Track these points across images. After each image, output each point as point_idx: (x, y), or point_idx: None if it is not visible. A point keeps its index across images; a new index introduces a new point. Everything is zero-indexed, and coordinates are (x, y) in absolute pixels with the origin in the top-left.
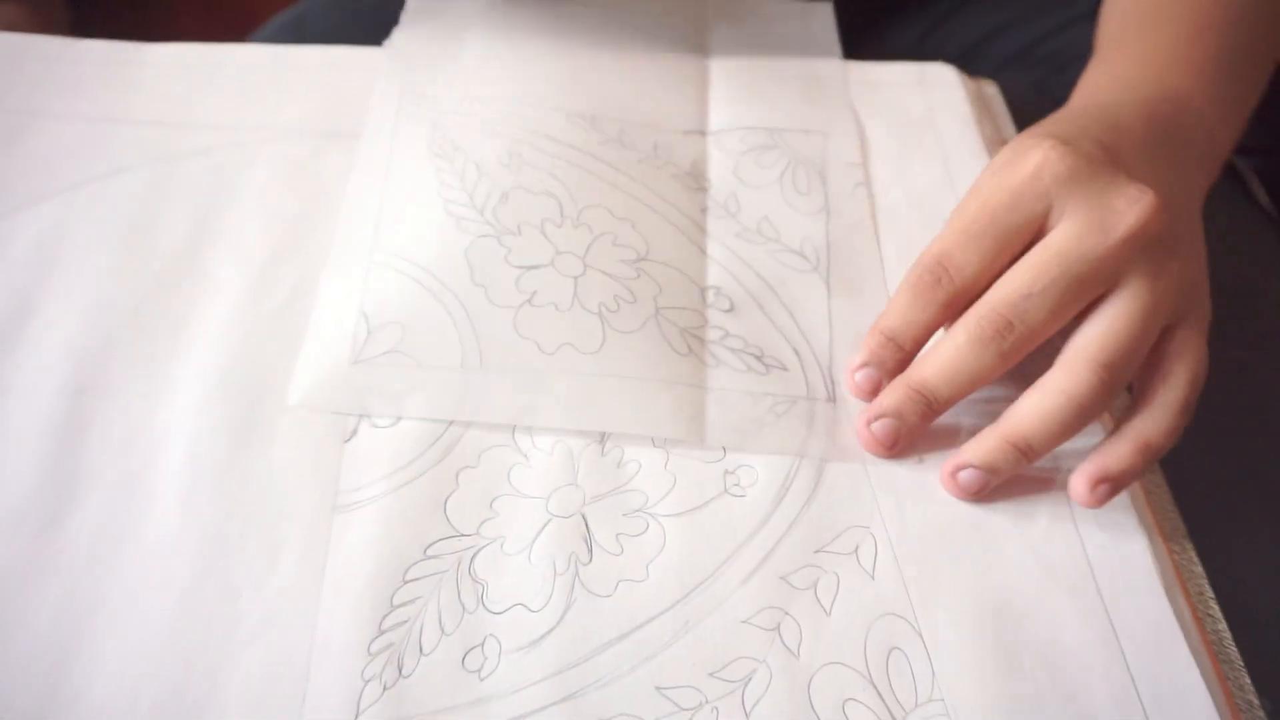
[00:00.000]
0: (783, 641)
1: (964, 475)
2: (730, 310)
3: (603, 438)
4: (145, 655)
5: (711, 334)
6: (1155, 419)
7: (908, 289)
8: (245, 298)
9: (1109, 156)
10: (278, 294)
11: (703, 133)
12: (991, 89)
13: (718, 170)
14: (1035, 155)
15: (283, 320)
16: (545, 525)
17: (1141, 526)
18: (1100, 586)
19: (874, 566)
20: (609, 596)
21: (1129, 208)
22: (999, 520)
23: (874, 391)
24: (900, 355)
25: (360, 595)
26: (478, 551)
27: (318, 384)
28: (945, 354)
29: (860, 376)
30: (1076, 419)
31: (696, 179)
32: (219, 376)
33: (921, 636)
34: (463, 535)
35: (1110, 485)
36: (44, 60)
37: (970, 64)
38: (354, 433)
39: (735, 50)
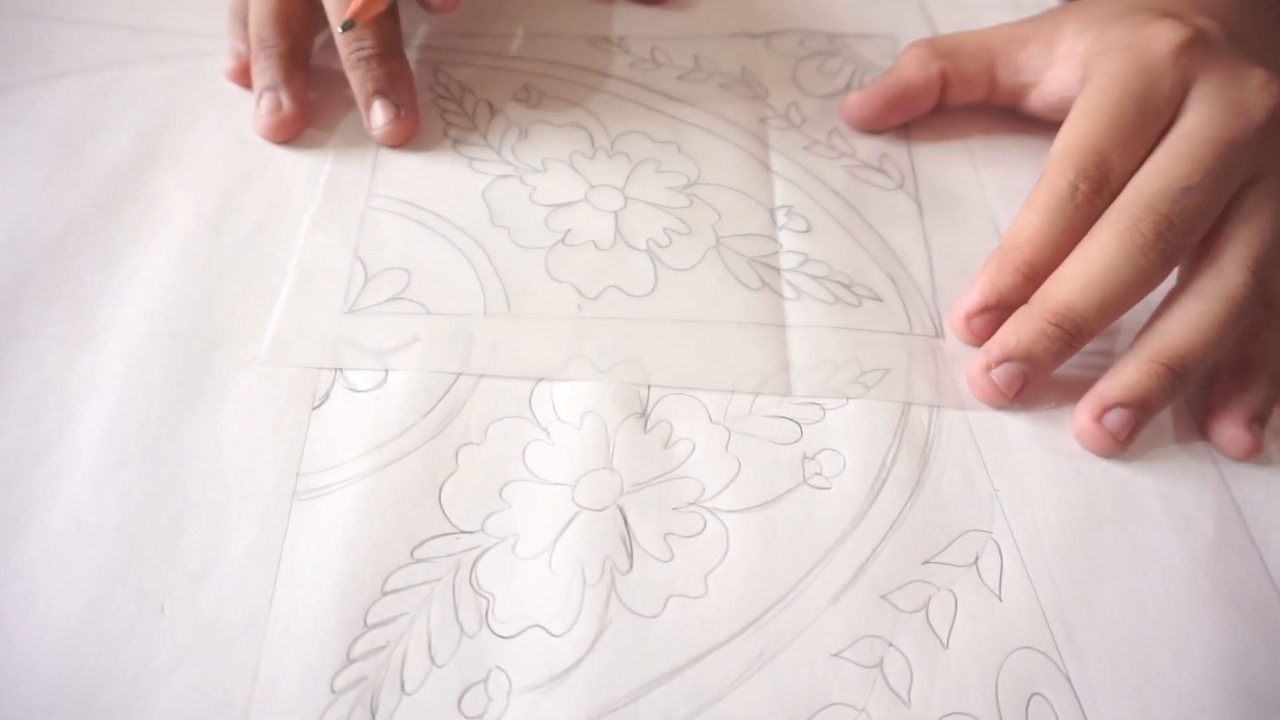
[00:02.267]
0: (887, 683)
1: (1113, 419)
2: (807, 231)
3: (645, 410)
4: (38, 679)
5: (787, 260)
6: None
7: (1058, 206)
8: (200, 228)
9: (1228, 35)
10: (240, 225)
11: (751, 34)
12: None
13: (773, 76)
14: (1172, 34)
15: (244, 256)
16: (571, 521)
17: None
18: None
19: (1000, 583)
20: (656, 617)
21: (1263, 89)
22: (1153, 520)
23: (1017, 395)
24: (1033, 290)
25: (324, 611)
26: (482, 554)
27: (297, 335)
28: (1092, 267)
29: (980, 324)
30: (1233, 324)
31: (750, 86)
32: (160, 321)
33: (1069, 678)
34: (463, 533)
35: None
36: None
37: None
38: (326, 397)
39: None
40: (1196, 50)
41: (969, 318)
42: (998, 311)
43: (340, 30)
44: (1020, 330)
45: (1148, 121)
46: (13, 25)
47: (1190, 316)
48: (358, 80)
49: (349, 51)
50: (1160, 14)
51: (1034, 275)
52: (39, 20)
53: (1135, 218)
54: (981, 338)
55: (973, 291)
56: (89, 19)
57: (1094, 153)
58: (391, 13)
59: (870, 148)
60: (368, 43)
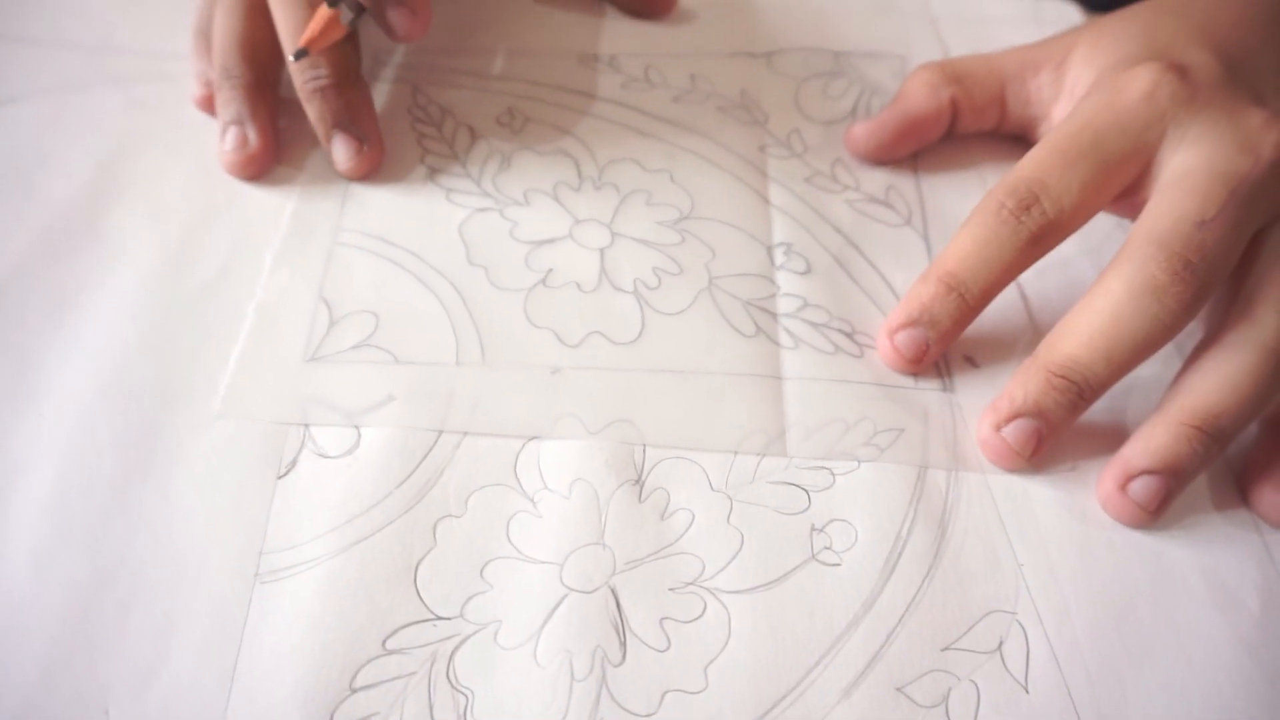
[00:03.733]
0: None
1: (1139, 487)
2: (807, 273)
3: (640, 476)
4: None
5: (784, 304)
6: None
7: (981, 220)
8: (159, 271)
9: (1228, 71)
10: (203, 268)
11: (751, 54)
12: None
13: (775, 99)
14: (1146, 75)
15: (206, 303)
16: (559, 605)
17: None
18: None
19: (1026, 672)
20: (650, 716)
21: (1266, 128)
22: (1194, 597)
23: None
24: (961, 309)
25: (286, 712)
26: (461, 643)
27: (255, 386)
28: (1096, 317)
29: (905, 339)
30: (1272, 377)
31: (749, 110)
32: (112, 377)
33: None
34: (440, 619)
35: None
36: None
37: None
38: (292, 464)
39: None
40: (1179, 91)
41: (891, 333)
42: (921, 327)
43: (293, 59)
44: (1027, 384)
45: (1102, 153)
46: None
47: (1223, 371)
48: (315, 112)
49: (303, 81)
50: (1154, 52)
51: (956, 285)
52: None
53: (1145, 257)
54: (905, 355)
55: (896, 309)
56: (44, 38)
57: (1027, 177)
58: (350, 39)
59: (876, 179)
60: (323, 71)
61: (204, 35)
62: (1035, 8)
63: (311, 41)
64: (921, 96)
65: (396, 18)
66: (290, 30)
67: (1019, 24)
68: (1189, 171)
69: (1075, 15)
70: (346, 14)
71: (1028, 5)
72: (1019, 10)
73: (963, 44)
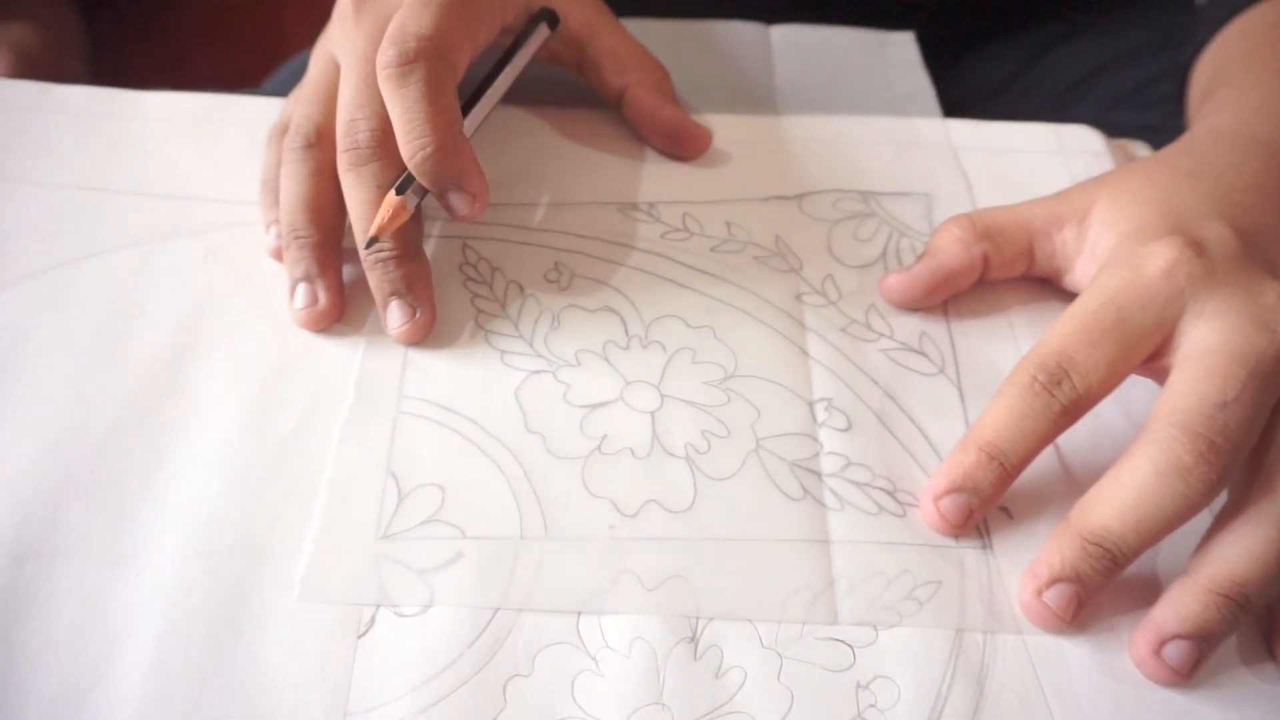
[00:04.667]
0: None
1: (1173, 651)
2: (848, 430)
3: (695, 634)
4: None
5: (828, 464)
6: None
7: (1016, 393)
8: (241, 425)
9: (1243, 244)
10: (284, 420)
11: (783, 197)
12: (1144, 154)
13: (808, 244)
14: (1166, 251)
15: (285, 459)
16: None
17: None
18: None
19: None
20: None
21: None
22: None
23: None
24: (1001, 476)
25: None
26: None
27: (332, 569)
28: (1124, 492)
29: (950, 505)
30: None
31: (784, 257)
32: (202, 538)
33: None
34: None
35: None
36: (11, 111)
37: (1074, 103)
38: (371, 624)
39: (808, 100)
40: (1196, 269)
41: (936, 499)
42: (965, 493)
43: (365, 248)
44: (1063, 549)
45: (1126, 330)
46: (52, 197)
47: (1245, 542)
48: (375, 280)
49: (368, 252)
50: (1170, 221)
51: (996, 454)
52: (77, 191)
53: (1169, 439)
54: (951, 521)
55: (939, 474)
56: (127, 188)
57: (1056, 351)
58: (414, 215)
59: (909, 326)
60: (388, 245)
61: (270, 188)
62: (1057, 136)
63: (382, 230)
64: (954, 252)
65: (457, 201)
66: (360, 211)
67: (1039, 154)
68: (1208, 350)
69: (1096, 142)
70: (412, 199)
71: (1048, 133)
72: (1040, 140)
73: (985, 176)
